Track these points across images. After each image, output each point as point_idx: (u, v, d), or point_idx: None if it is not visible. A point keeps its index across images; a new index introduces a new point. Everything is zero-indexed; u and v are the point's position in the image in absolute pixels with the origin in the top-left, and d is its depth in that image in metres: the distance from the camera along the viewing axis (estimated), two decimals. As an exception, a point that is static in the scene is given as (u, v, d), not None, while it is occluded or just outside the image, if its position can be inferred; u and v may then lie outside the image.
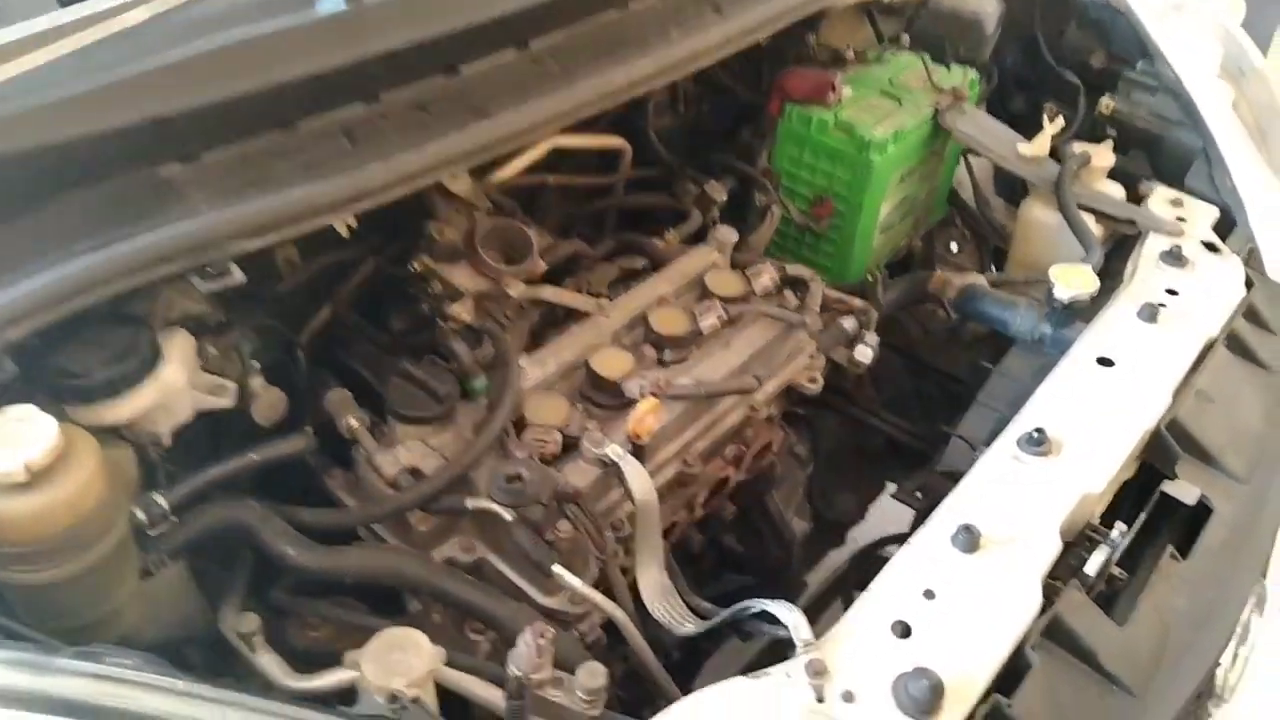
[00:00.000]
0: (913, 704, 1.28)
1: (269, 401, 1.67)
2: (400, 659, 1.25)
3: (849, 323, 2.13)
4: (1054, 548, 1.50)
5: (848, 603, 1.45)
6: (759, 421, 1.94)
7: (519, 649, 1.28)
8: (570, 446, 1.64)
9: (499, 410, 1.59)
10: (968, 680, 1.33)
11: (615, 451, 1.58)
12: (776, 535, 2.33)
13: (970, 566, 1.46)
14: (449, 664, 1.30)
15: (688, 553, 2.14)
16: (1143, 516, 1.68)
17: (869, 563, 2.86)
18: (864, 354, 2.04)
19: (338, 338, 1.85)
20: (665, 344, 1.84)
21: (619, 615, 1.49)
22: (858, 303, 2.09)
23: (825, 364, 2.07)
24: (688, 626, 1.53)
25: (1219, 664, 1.59)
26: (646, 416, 1.60)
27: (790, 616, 1.39)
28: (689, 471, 1.79)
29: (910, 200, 2.46)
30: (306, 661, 1.35)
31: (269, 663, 1.35)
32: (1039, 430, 1.64)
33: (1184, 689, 1.47)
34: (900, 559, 1.49)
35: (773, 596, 2.51)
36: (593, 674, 1.32)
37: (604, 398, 1.75)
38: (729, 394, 1.77)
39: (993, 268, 2.73)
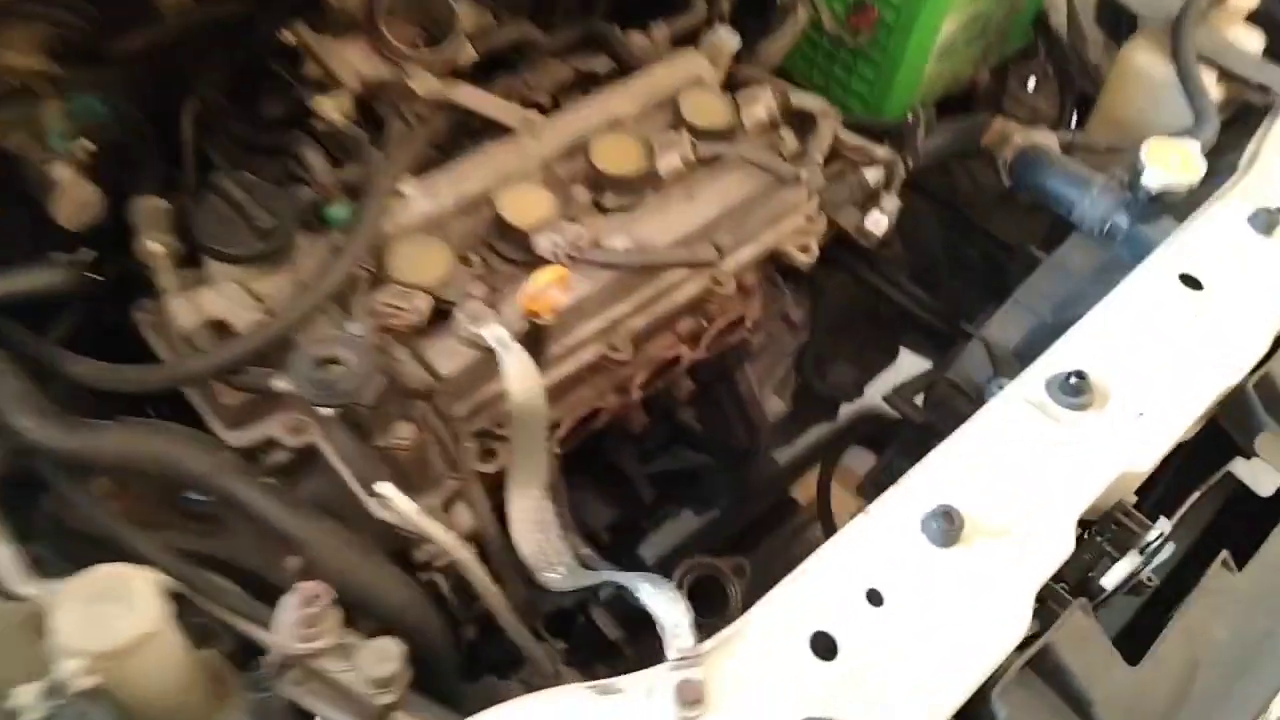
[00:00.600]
0: (812, 767, 0.92)
1: (76, 199, 1.25)
2: (102, 616, 0.89)
3: (868, 176, 1.65)
4: (1063, 548, 1.09)
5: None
6: (725, 295, 1.50)
7: (280, 613, 0.92)
8: (446, 314, 1.22)
9: (344, 252, 1.17)
10: (898, 735, 0.96)
11: (496, 336, 1.16)
12: (743, 418, 1.93)
13: (941, 565, 1.06)
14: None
15: (623, 432, 1.76)
16: (1194, 499, 1.25)
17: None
18: (877, 223, 1.57)
19: (208, 126, 1.40)
20: (608, 185, 1.38)
21: (459, 553, 1.12)
22: (881, 152, 1.60)
23: (827, 228, 1.61)
24: (557, 575, 1.16)
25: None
26: (548, 290, 1.17)
27: (668, 612, 1.01)
28: (616, 357, 1.37)
29: (983, 19, 1.89)
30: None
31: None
32: (1079, 374, 1.19)
33: (1201, 757, 1.09)
34: (843, 540, 1.09)
35: (735, 481, 2.19)
36: (381, 657, 0.96)
37: (511, 250, 1.32)
38: (675, 266, 1.32)
39: (1074, 121, 2.17)
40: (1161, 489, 1.28)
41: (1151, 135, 1.47)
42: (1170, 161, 1.43)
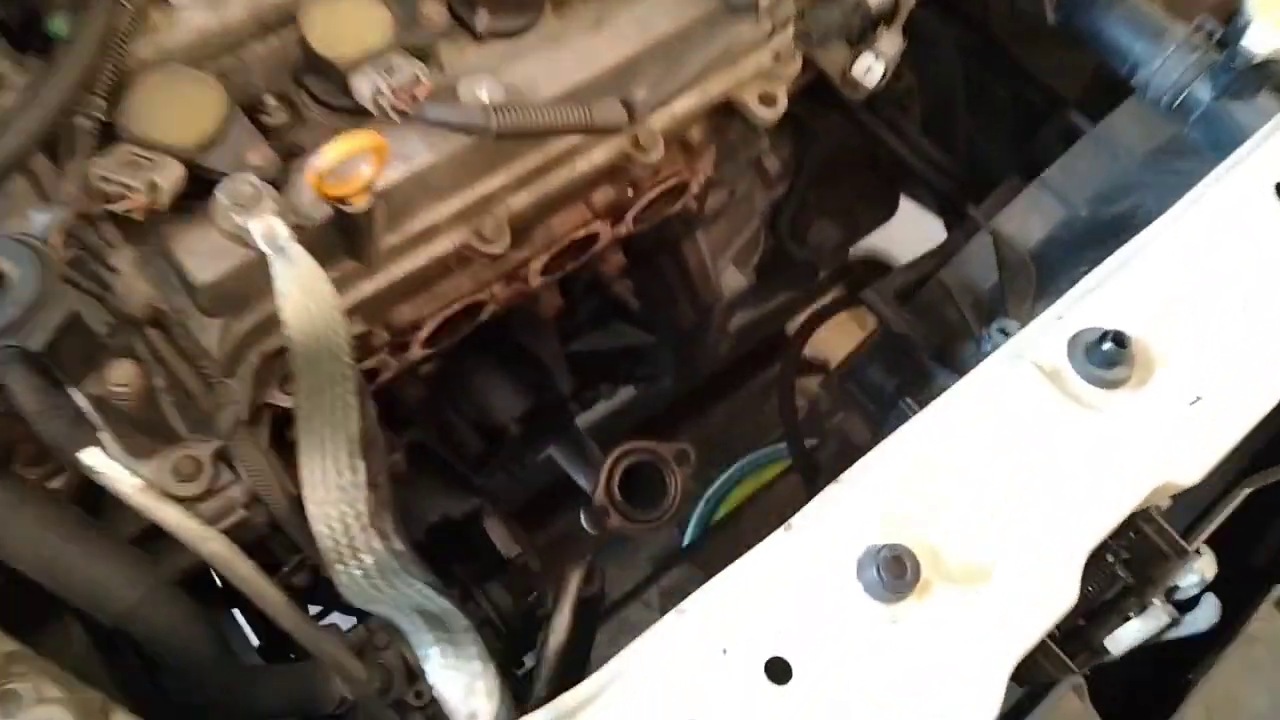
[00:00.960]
0: None
1: None
2: None
3: (864, 2, 1.21)
4: (1063, 600, 0.76)
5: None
6: (650, 163, 1.10)
7: None
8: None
9: (46, 87, 0.78)
10: None
11: (264, 232, 0.79)
12: (690, 293, 1.57)
13: (882, 627, 0.73)
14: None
15: (526, 315, 1.40)
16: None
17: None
18: (868, 71, 1.15)
19: None
20: (478, 1, 0.96)
21: (208, 547, 0.79)
22: (882, -32, 1.15)
23: (801, 72, 1.19)
24: (355, 573, 0.84)
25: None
26: (351, 163, 0.79)
27: (454, 692, 0.69)
28: (486, 249, 1.00)
29: None
30: None
31: None
32: (1117, 336, 0.82)
33: None
34: (741, 579, 0.75)
35: (681, 361, 1.84)
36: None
37: (326, 93, 0.92)
38: (561, 132, 0.92)
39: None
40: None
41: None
42: (1289, 14, 0.99)
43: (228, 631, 1.05)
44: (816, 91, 1.48)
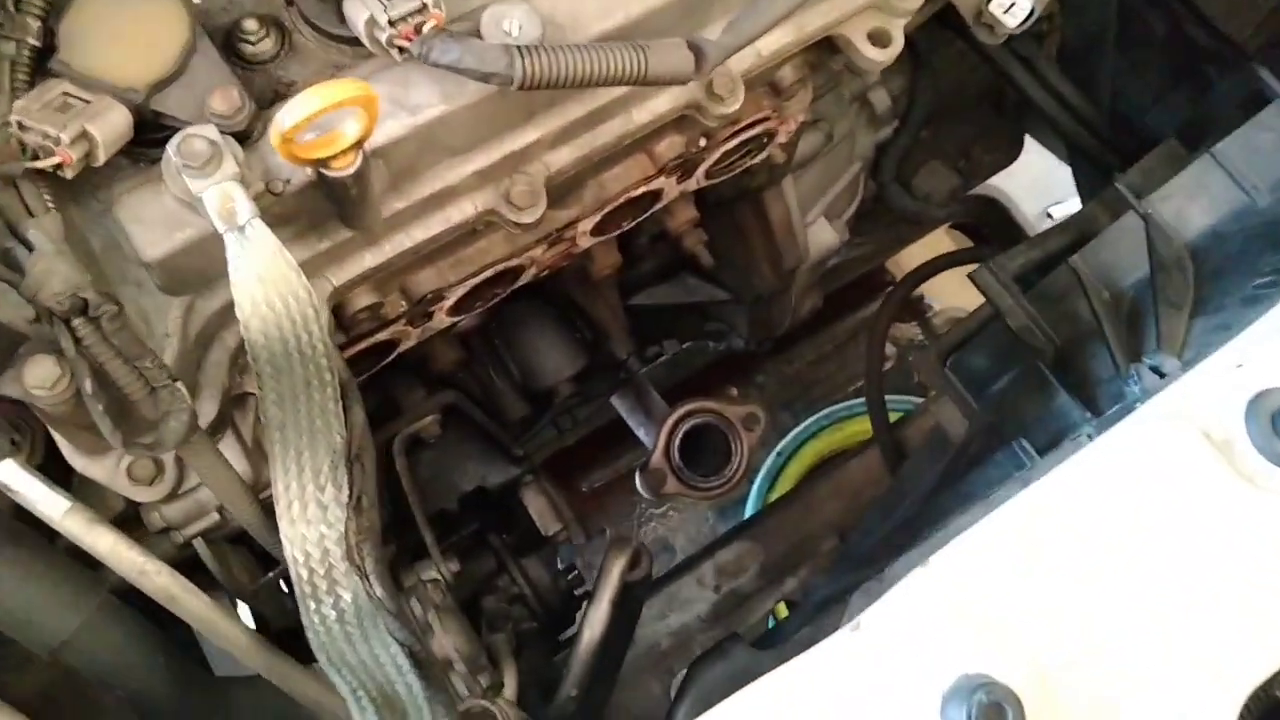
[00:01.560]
0: None
1: None
2: None
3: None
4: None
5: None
6: (734, 107, 0.90)
7: None
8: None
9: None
10: None
11: (222, 204, 0.62)
12: (771, 253, 1.37)
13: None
14: None
15: (581, 272, 1.22)
16: None
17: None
18: (1011, 8, 0.92)
19: None
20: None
21: (153, 582, 0.65)
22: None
23: (926, 4, 0.96)
24: (330, 614, 0.69)
25: None
26: (329, 120, 0.62)
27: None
28: (516, 218, 0.82)
29: None
30: None
31: None
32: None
33: None
34: (794, 687, 0.58)
35: (755, 322, 1.64)
36: None
37: (323, 16, 0.74)
38: (609, 83, 0.72)
39: None
40: None
41: None
42: None
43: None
44: (938, 14, 1.25)
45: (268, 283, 0.63)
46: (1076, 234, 1.12)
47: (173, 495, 0.76)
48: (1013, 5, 0.92)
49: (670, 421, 1.55)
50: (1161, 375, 0.75)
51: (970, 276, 1.16)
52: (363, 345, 0.93)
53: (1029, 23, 0.94)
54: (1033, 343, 1.04)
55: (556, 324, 1.38)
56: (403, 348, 1.00)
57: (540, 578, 1.35)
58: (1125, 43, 1.54)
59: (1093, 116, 1.47)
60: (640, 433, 1.84)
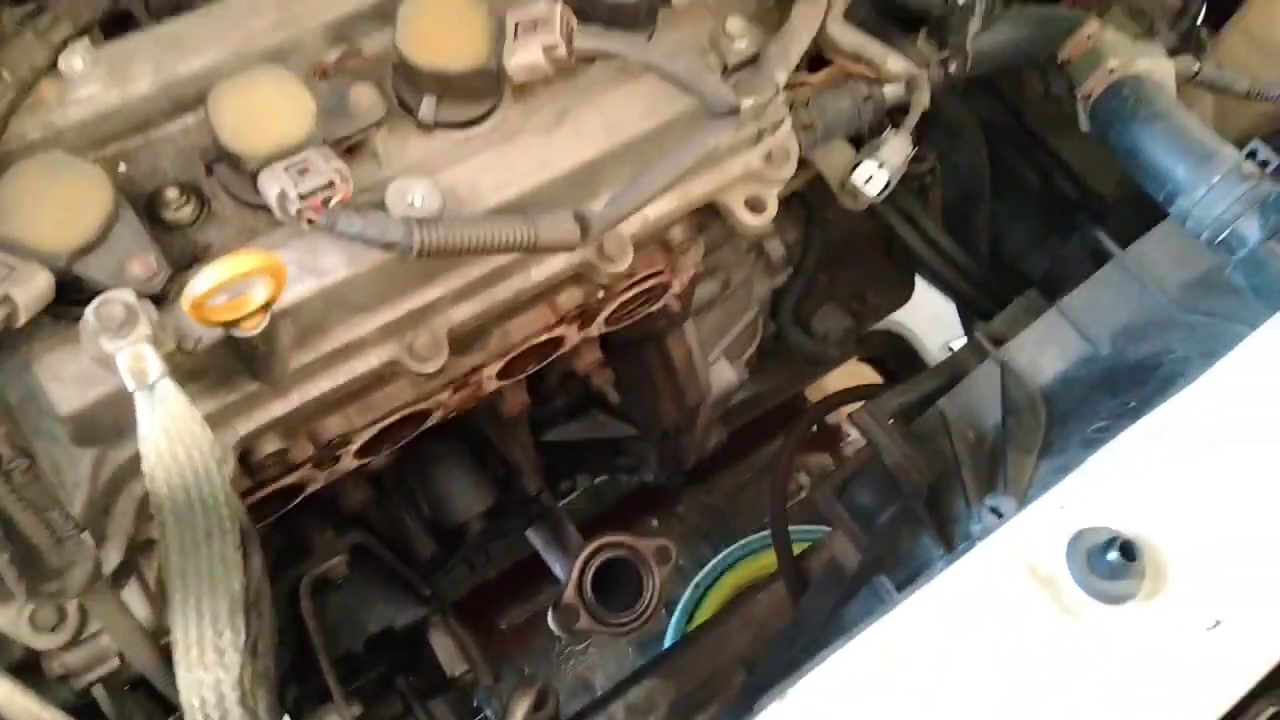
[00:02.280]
0: None
1: None
2: None
3: (886, 92, 1.09)
4: None
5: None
6: (623, 267, 0.98)
7: None
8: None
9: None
10: None
11: (129, 363, 0.67)
12: (674, 391, 1.44)
13: None
14: None
15: (491, 411, 1.28)
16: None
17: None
18: (870, 180, 1.03)
19: None
20: (422, 84, 0.84)
21: (16, 711, 0.67)
22: (894, 66, 1.04)
23: (795, 174, 1.07)
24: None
25: None
26: (239, 286, 0.68)
27: None
28: (418, 368, 0.88)
29: None
30: None
31: None
32: (1125, 545, 0.69)
33: None
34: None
35: (664, 457, 1.71)
36: None
37: (240, 186, 0.81)
38: (501, 251, 0.80)
39: (1200, 16, 1.53)
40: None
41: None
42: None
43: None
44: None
45: (173, 437, 0.68)
46: (948, 377, 1.21)
47: (74, 642, 0.78)
48: (871, 178, 1.02)
49: (583, 556, 1.58)
50: (999, 515, 0.82)
51: (850, 416, 1.25)
52: (270, 489, 0.97)
53: (886, 192, 1.04)
54: (905, 480, 1.12)
55: (468, 461, 1.43)
56: (310, 490, 1.05)
57: (446, 720, 1.36)
58: (1002, 192, 1.69)
59: (968, 265, 1.60)
60: (556, 568, 1.87)
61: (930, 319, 2.46)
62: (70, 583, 0.68)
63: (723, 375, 1.51)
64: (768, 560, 2.30)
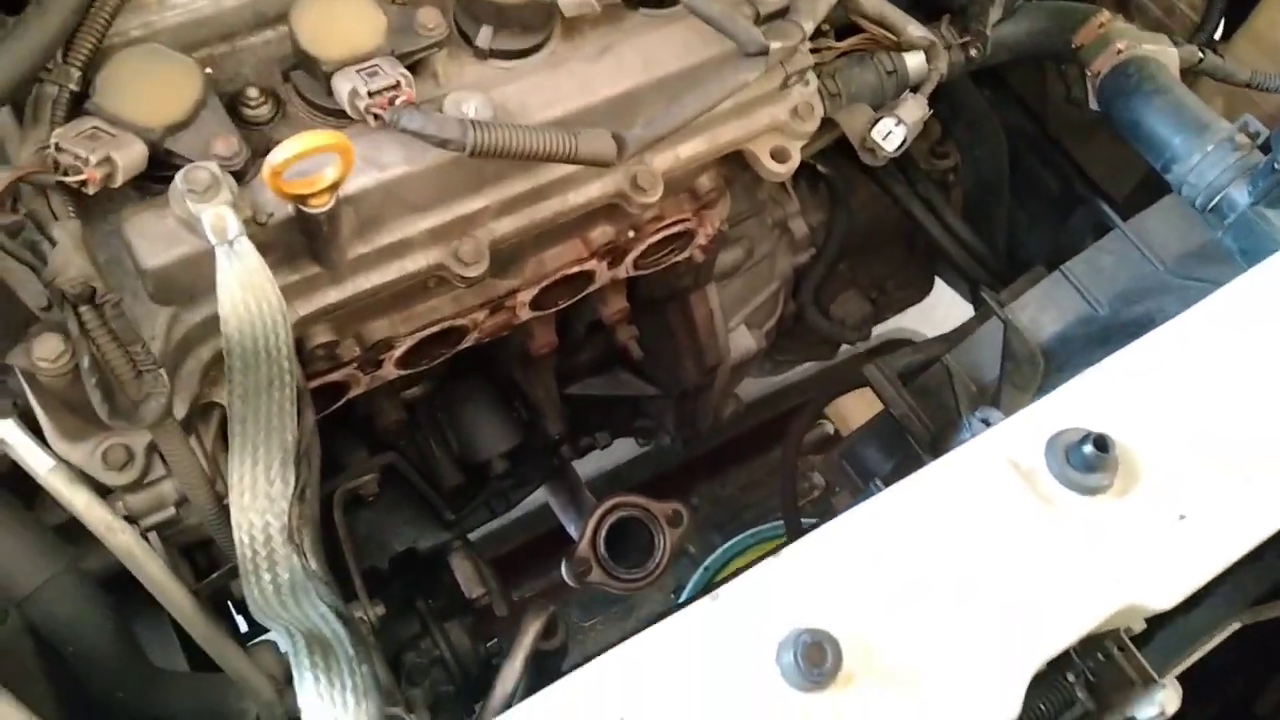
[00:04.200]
0: None
1: None
2: None
3: (908, 63, 1.17)
4: (1001, 714, 0.69)
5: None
6: (647, 202, 1.06)
7: None
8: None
9: (16, 39, 0.76)
10: None
11: (213, 222, 0.76)
12: (695, 351, 1.52)
13: (796, 715, 0.66)
14: None
15: (520, 350, 1.36)
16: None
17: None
18: (888, 136, 1.11)
19: None
20: (482, 13, 0.93)
21: (116, 539, 0.76)
22: (914, 32, 1.12)
23: (820, 129, 1.14)
24: (267, 588, 0.79)
25: None
26: (312, 163, 0.76)
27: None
28: (462, 272, 0.96)
29: None
30: None
31: None
32: (1100, 439, 0.76)
33: None
34: (644, 654, 0.70)
35: (681, 419, 1.79)
36: None
37: (314, 89, 0.90)
38: (544, 158, 0.89)
39: (1219, 30, 1.61)
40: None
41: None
42: (1336, 120, 0.93)
43: (152, 637, 1.00)
44: (855, 160, 1.45)
45: (247, 290, 0.76)
46: (954, 341, 1.28)
47: (138, 484, 0.86)
48: (889, 134, 1.10)
49: (598, 513, 1.64)
50: (987, 424, 0.89)
51: (863, 371, 1.32)
52: (315, 384, 1.05)
53: (902, 148, 1.12)
54: (911, 429, 1.18)
55: (495, 402, 1.51)
56: (352, 393, 1.13)
57: (461, 643, 1.43)
58: (1023, 196, 1.77)
59: (986, 255, 1.67)
60: (570, 527, 1.94)
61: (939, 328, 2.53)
62: (146, 412, 0.76)
63: (742, 341, 1.58)
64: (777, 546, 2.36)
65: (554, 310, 1.24)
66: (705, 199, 1.20)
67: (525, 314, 1.18)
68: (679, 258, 1.27)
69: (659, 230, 1.18)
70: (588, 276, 1.18)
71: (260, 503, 0.81)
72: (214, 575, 0.94)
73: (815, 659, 0.65)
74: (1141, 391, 0.82)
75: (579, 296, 1.22)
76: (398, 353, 1.09)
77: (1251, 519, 0.77)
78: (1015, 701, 0.69)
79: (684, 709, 0.66)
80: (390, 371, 1.12)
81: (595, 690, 0.67)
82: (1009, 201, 1.74)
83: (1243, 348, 0.86)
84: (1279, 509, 0.78)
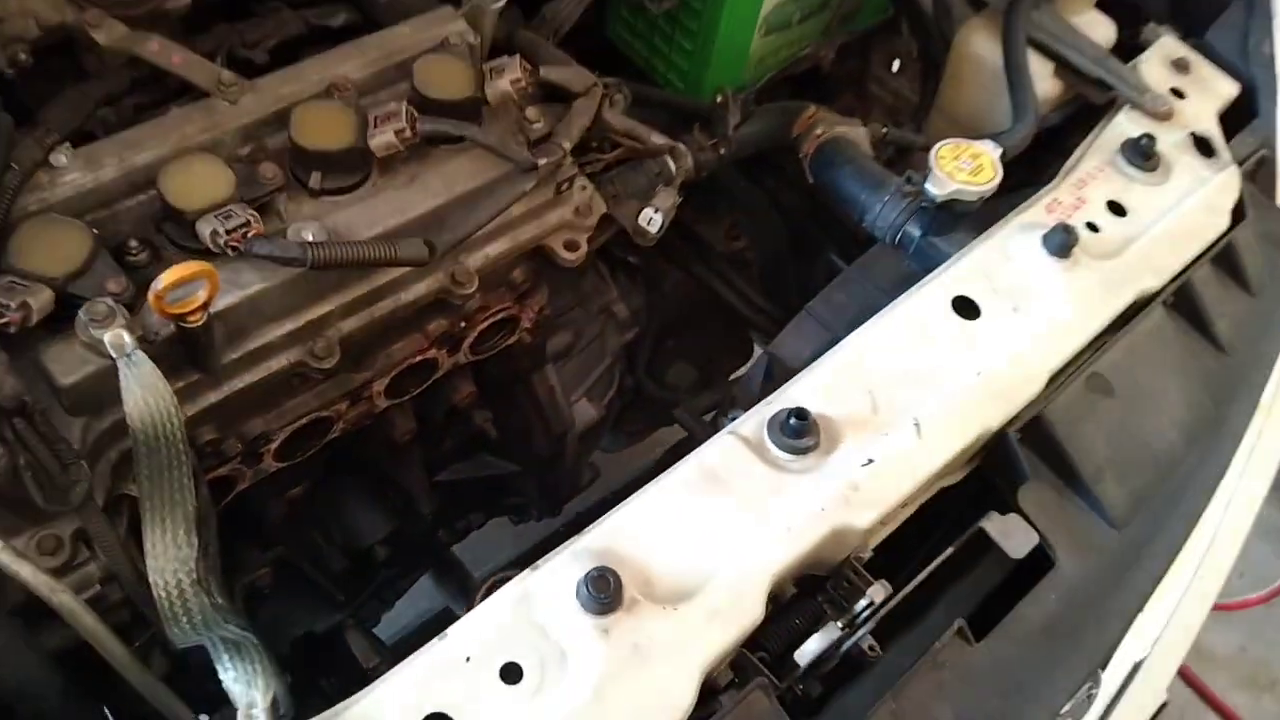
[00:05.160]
0: None
1: None
2: None
3: (665, 165, 1.48)
4: (748, 617, 0.94)
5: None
6: (480, 291, 1.32)
7: None
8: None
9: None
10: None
11: (113, 340, 0.98)
12: (543, 424, 1.76)
13: (592, 636, 0.90)
14: None
15: (386, 440, 1.58)
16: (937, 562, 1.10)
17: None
18: (650, 220, 1.40)
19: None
20: (311, 163, 1.19)
21: (56, 599, 0.95)
22: (656, 140, 1.42)
23: (604, 225, 1.43)
24: (181, 625, 0.99)
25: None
26: (186, 287, 1.00)
27: (243, 691, 0.85)
28: (318, 365, 1.20)
29: (821, -11, 1.73)
30: None
31: None
32: (799, 412, 1.04)
33: None
34: (486, 605, 0.93)
35: (544, 490, 2.02)
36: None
37: (180, 235, 1.14)
38: (371, 264, 1.14)
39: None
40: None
41: (944, 142, 1.30)
42: (959, 166, 1.26)
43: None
44: (663, 252, 1.75)
45: (146, 390, 0.98)
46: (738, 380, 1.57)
47: (68, 566, 1.05)
48: (651, 219, 1.39)
49: (481, 591, 1.84)
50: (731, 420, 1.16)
51: (675, 414, 1.58)
52: (208, 477, 1.26)
53: (663, 230, 1.40)
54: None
55: (369, 492, 1.72)
56: (239, 488, 1.33)
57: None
58: (812, 258, 2.09)
59: (775, 312, 1.98)
60: (456, 608, 2.13)
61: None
62: (74, 495, 0.97)
63: (585, 411, 1.83)
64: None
65: (409, 398, 1.47)
66: (521, 289, 1.47)
67: (382, 402, 1.41)
68: (510, 341, 1.52)
69: (486, 318, 1.43)
70: (432, 364, 1.42)
71: (171, 563, 1.01)
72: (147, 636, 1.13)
73: (600, 588, 0.89)
74: (835, 375, 1.10)
75: (428, 383, 1.46)
76: (274, 445, 1.31)
77: (917, 462, 1.06)
78: (759, 604, 0.94)
79: (517, 643, 0.89)
80: (270, 464, 1.34)
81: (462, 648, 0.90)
82: (796, 266, 2.07)
83: (909, 336, 1.15)
84: (938, 456, 1.07)
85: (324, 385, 1.31)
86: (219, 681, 0.95)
